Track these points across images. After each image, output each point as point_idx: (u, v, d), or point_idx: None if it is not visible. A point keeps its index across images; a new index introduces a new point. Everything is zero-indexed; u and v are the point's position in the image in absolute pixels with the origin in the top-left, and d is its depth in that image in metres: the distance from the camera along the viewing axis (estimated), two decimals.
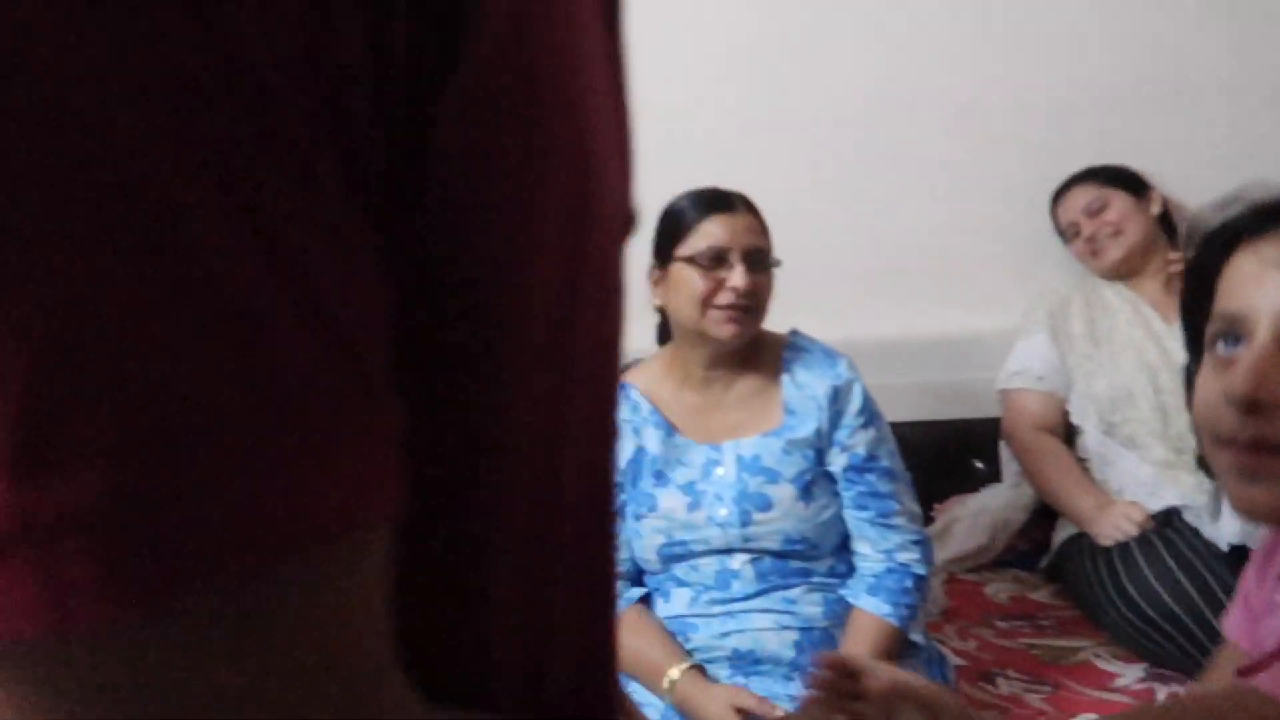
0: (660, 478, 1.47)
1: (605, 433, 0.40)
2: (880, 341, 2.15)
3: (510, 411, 0.33)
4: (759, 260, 1.45)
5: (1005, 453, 2.03)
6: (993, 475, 2.07)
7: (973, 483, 2.09)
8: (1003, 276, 2.21)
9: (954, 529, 1.97)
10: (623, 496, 1.49)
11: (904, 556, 1.42)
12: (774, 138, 2.17)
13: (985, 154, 2.17)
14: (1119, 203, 1.97)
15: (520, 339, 0.32)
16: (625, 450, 1.49)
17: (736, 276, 1.41)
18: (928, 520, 1.93)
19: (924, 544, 1.47)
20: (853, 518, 1.45)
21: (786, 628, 1.39)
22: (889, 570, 1.41)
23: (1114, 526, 1.68)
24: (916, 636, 1.44)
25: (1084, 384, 1.87)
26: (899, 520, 1.44)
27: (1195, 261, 0.76)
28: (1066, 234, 2.05)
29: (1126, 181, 2.00)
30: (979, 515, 1.97)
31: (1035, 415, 1.90)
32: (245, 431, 0.23)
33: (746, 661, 1.38)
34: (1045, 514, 1.94)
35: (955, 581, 1.90)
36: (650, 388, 1.54)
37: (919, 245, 2.21)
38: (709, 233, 1.45)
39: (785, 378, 1.51)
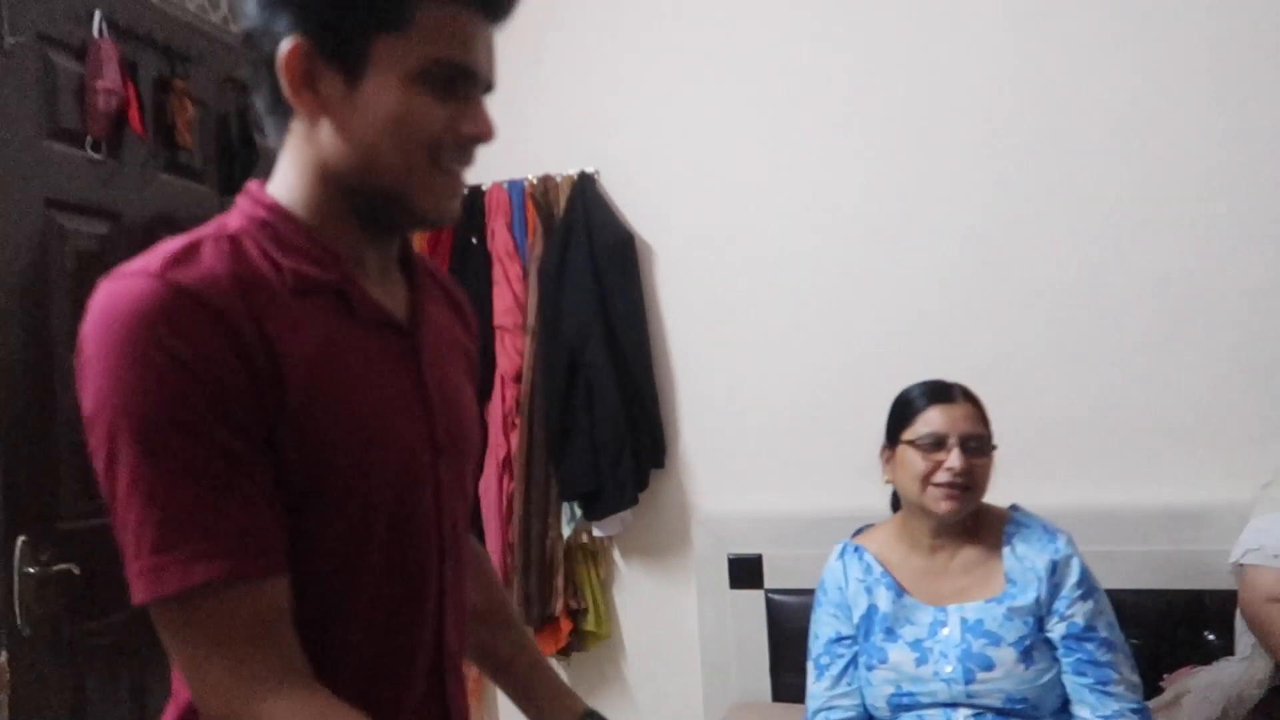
0: (890, 634, 1.68)
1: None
2: (1109, 510, 2.26)
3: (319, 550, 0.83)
4: (975, 445, 1.67)
5: (1240, 625, 2.05)
6: (1225, 648, 2.09)
7: (1204, 655, 2.12)
8: (1236, 448, 2.25)
9: (1184, 701, 2.00)
10: (855, 648, 1.71)
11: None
12: (995, 316, 2.36)
13: (1217, 326, 2.25)
14: None
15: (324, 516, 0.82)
16: (859, 606, 1.71)
17: (953, 459, 1.64)
18: (1156, 690, 1.99)
19: (1143, 713, 1.57)
20: (1072, 683, 1.59)
21: None
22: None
23: None
24: None
25: None
26: (1118, 689, 1.57)
27: None
28: None
29: None
30: (1210, 688, 2.00)
31: (1271, 590, 1.92)
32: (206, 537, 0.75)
33: None
34: None
35: None
36: (882, 551, 1.76)
37: (1147, 416, 2.30)
38: (930, 420, 1.69)
39: (1006, 550, 1.69)
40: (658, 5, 2.61)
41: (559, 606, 2.54)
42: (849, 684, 1.70)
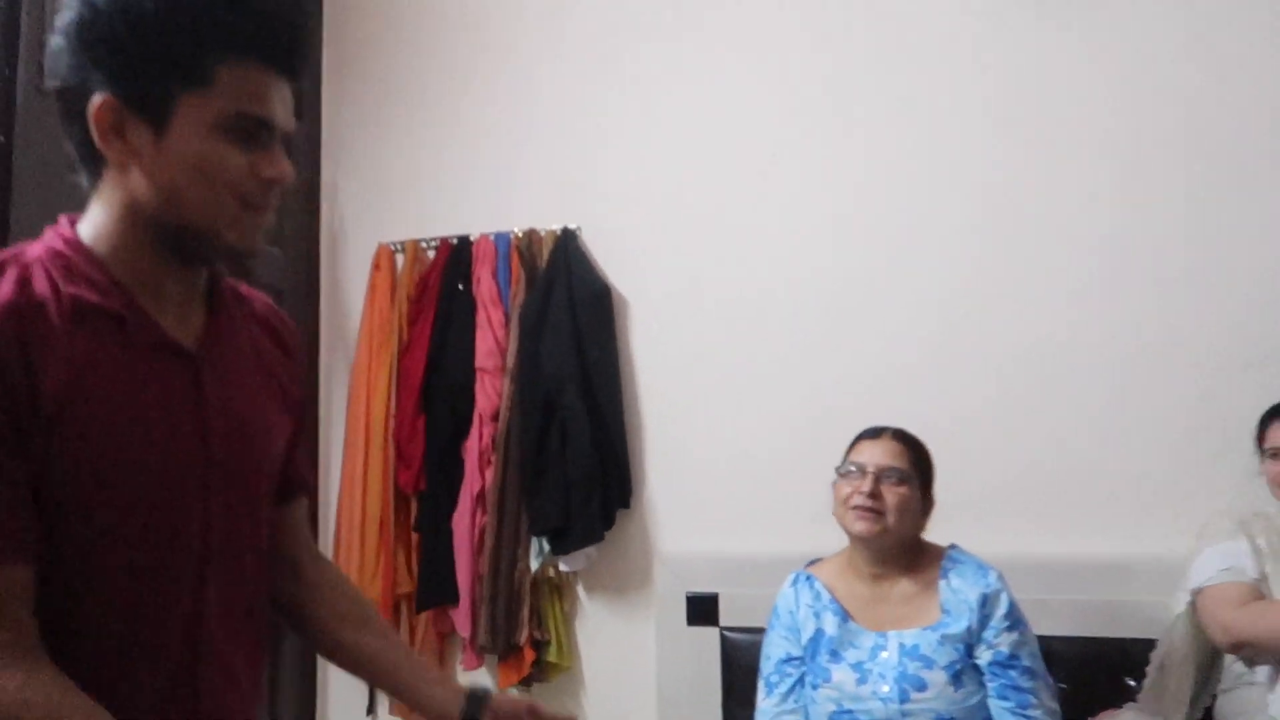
0: (834, 655, 1.83)
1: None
2: (1044, 560, 2.43)
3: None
4: (892, 475, 1.86)
5: (1153, 669, 2.21)
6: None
7: (1126, 698, 2.27)
8: (1162, 507, 2.42)
9: None
10: (803, 668, 1.86)
11: None
12: (952, 375, 2.54)
13: (1149, 398, 2.43)
14: None
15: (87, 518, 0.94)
16: (808, 630, 1.86)
17: (865, 484, 1.84)
18: None
19: None
20: (996, 706, 1.74)
21: None
22: None
23: None
24: None
25: None
26: (1035, 713, 1.72)
27: None
28: (1266, 454, 2.12)
29: None
30: None
31: (1240, 598, 1.95)
32: None
33: None
34: None
35: None
36: (831, 580, 1.92)
37: (1083, 475, 2.47)
38: (856, 452, 1.92)
39: (943, 583, 1.86)
40: (637, 72, 2.83)
41: (524, 637, 2.65)
42: (795, 701, 1.84)
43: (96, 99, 0.93)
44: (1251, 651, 1.94)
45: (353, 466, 2.84)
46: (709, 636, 2.59)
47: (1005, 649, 1.77)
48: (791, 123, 2.72)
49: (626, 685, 2.73)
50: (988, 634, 1.79)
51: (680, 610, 2.63)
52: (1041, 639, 2.31)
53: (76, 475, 0.92)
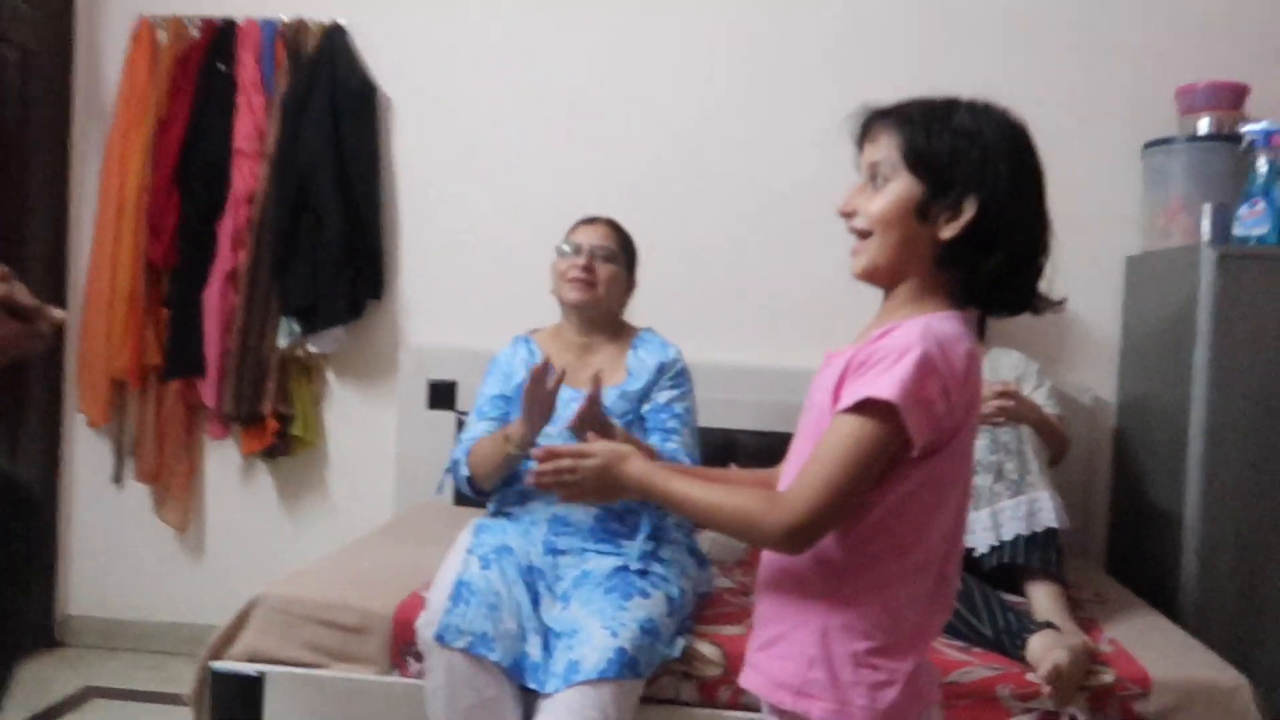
0: None
1: None
2: (740, 366, 2.81)
3: None
4: (602, 254, 2.14)
5: None
6: None
7: None
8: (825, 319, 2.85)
9: None
10: (508, 408, 2.14)
11: (678, 453, 2.03)
12: (687, 202, 2.84)
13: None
14: None
15: None
16: (517, 377, 2.13)
17: (582, 258, 2.12)
18: None
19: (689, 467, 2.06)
20: (649, 437, 2.08)
21: None
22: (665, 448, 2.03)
23: None
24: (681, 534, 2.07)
25: None
26: (674, 443, 2.06)
27: None
28: None
29: None
30: None
31: None
32: None
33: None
34: None
35: None
36: (544, 343, 2.21)
37: (791, 294, 2.86)
38: (574, 234, 2.19)
39: (631, 352, 2.18)
40: None
41: (267, 408, 2.81)
42: (499, 428, 2.12)
43: None
44: None
45: (104, 238, 2.85)
46: (446, 420, 2.85)
47: (662, 400, 2.11)
48: None
49: (367, 461, 2.96)
50: (655, 391, 2.13)
51: (422, 395, 2.87)
52: (729, 431, 2.74)
53: None
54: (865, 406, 1.06)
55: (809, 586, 1.15)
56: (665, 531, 2.06)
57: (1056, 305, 1.17)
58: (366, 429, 2.97)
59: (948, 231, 1.10)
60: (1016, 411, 2.17)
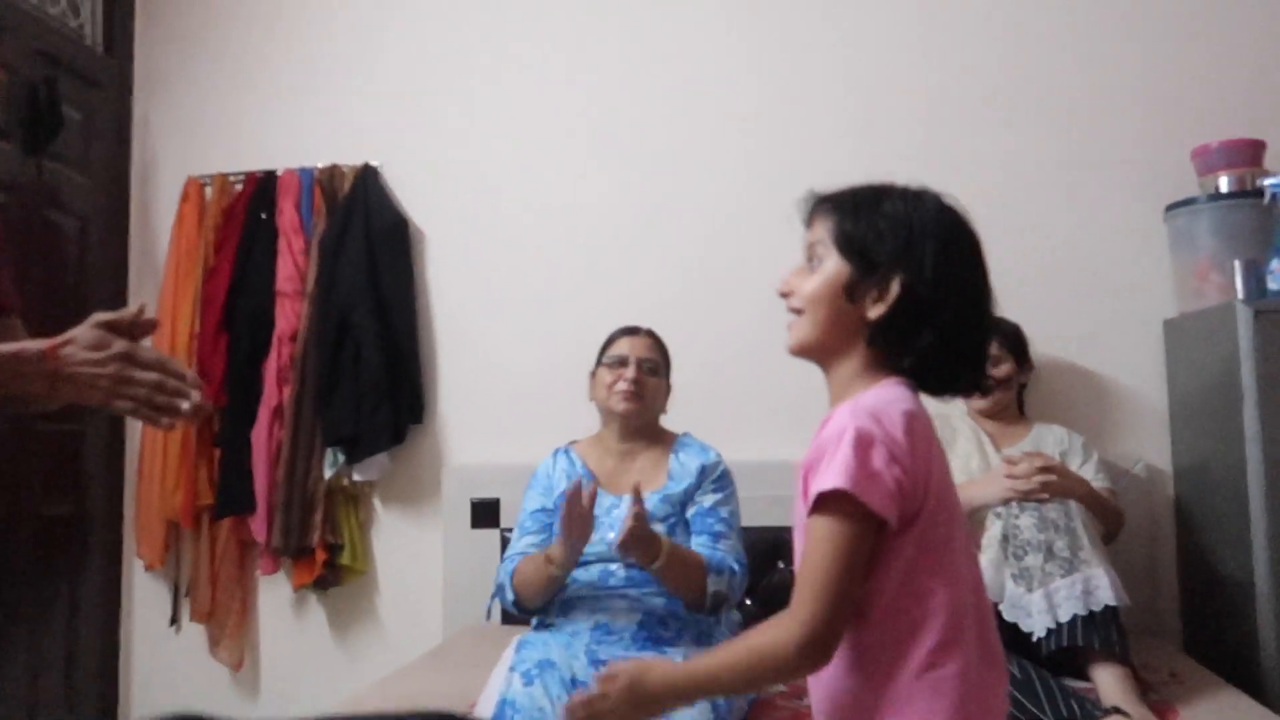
0: None
1: None
2: (785, 461, 2.78)
3: None
4: (649, 366, 2.19)
5: None
6: None
7: None
8: None
9: None
10: (552, 521, 2.14)
11: (725, 559, 2.01)
12: (709, 310, 2.89)
13: None
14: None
15: None
16: (559, 489, 2.15)
17: (629, 371, 2.15)
18: None
19: (739, 571, 2.03)
20: (694, 542, 2.06)
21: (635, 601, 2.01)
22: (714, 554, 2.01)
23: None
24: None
25: None
26: (723, 545, 2.05)
27: None
28: None
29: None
30: None
31: None
32: None
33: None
34: None
35: None
36: (584, 452, 2.24)
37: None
38: (618, 346, 2.22)
39: (673, 457, 2.19)
40: (430, 23, 3.08)
41: (315, 539, 2.85)
42: (543, 542, 2.12)
43: None
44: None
45: None
46: (491, 538, 2.85)
47: (707, 504, 2.11)
48: (566, 81, 3.02)
49: (416, 585, 2.96)
50: (699, 495, 2.12)
51: (465, 515, 2.89)
52: (775, 529, 2.70)
53: None
54: (825, 503, 1.07)
55: (862, 699, 1.12)
56: (711, 635, 2.02)
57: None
58: (413, 553, 2.99)
59: (874, 311, 1.13)
60: (1062, 486, 2.12)
